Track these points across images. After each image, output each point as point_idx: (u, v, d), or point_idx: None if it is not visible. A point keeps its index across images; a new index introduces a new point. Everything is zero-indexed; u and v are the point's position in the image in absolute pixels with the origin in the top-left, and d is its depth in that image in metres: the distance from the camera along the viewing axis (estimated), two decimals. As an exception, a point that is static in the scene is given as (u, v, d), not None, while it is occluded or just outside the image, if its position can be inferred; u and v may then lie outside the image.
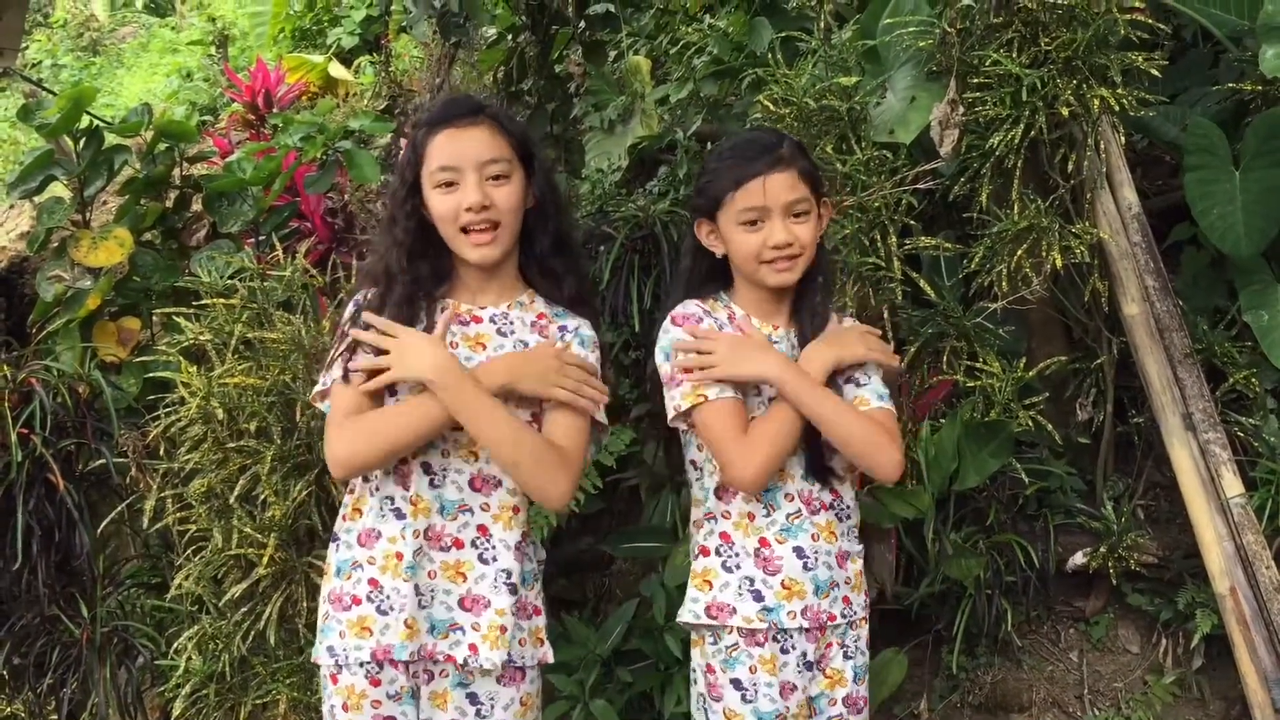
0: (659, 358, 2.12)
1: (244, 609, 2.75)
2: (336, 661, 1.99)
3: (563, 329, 2.12)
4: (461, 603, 2.02)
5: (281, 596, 2.70)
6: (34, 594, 3.12)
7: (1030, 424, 2.89)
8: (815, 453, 2.08)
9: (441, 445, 2.02)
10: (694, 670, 2.14)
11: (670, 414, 2.09)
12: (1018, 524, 3.07)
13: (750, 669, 2.04)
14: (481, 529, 2.04)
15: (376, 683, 1.99)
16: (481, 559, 2.03)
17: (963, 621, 2.97)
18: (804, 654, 2.08)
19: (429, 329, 2.02)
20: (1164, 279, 2.92)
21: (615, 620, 3.11)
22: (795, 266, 2.07)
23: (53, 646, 3.20)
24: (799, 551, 2.06)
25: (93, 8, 9.83)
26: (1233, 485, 2.75)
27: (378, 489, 2.03)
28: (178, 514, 2.84)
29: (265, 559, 2.65)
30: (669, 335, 2.10)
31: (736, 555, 2.07)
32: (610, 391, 2.15)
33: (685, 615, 2.11)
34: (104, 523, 3.10)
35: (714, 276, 2.17)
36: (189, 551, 2.85)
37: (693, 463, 2.17)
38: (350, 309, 2.10)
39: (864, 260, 2.87)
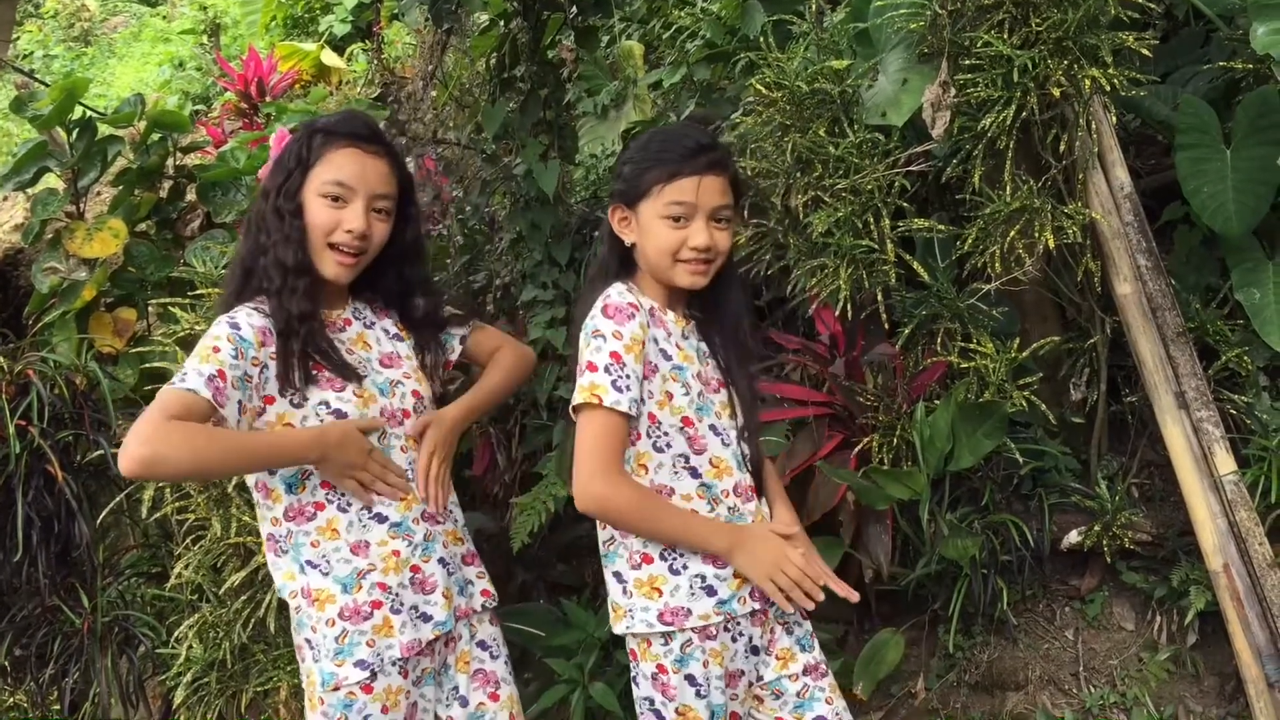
0: (582, 340, 2.03)
1: (244, 597, 2.77)
2: (372, 670, 2.02)
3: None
4: (463, 559, 2.25)
5: (281, 584, 2.71)
6: (34, 585, 3.14)
7: (1024, 404, 2.89)
8: (752, 445, 2.14)
9: (399, 444, 2.15)
10: (637, 675, 2.07)
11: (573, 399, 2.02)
12: (1013, 504, 3.08)
13: (704, 664, 2.01)
14: None
15: (406, 674, 2.08)
16: (455, 520, 2.26)
17: (959, 601, 2.99)
18: (750, 639, 2.09)
19: (321, 323, 2.11)
20: (1156, 258, 2.93)
21: (613, 604, 3.12)
22: (708, 272, 2.08)
23: (54, 637, 3.22)
24: None
25: (84, -3, 9.79)
26: (1225, 463, 2.76)
27: (349, 505, 2.09)
28: (176, 503, 2.86)
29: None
30: (595, 322, 2.01)
31: (682, 555, 2.02)
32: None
33: (637, 626, 2.03)
34: (103, 513, 3.12)
35: (624, 266, 2.14)
36: (188, 540, 2.87)
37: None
38: (249, 323, 2.01)
39: (857, 243, 2.88)
